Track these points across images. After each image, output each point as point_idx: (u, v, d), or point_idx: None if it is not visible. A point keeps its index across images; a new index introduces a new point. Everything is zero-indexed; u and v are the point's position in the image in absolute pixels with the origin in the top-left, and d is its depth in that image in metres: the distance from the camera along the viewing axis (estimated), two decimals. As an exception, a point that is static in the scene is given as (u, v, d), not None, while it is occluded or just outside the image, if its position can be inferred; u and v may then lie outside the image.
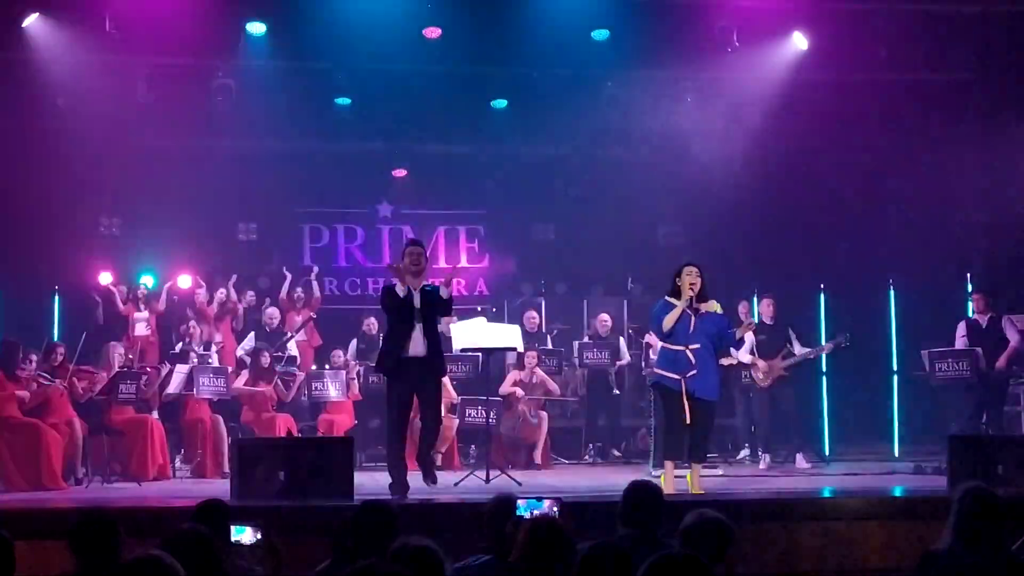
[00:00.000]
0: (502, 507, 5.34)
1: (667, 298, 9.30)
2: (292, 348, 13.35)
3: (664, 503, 5.50)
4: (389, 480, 9.30)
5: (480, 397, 11.99)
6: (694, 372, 9.09)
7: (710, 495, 8.96)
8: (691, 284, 9.13)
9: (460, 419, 12.55)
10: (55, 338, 13.03)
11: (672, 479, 9.17)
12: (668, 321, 9.14)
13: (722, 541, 4.80)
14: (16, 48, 13.09)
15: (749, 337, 12.14)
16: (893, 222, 14.81)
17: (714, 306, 9.27)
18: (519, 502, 5.35)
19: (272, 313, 13.71)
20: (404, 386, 9.36)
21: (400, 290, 9.27)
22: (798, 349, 12.19)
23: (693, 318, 9.14)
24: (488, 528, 5.33)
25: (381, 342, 9.99)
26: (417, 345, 9.30)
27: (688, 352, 9.12)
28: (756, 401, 12.47)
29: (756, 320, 12.13)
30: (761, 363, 12.12)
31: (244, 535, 5.24)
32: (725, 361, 11.57)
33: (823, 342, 12.71)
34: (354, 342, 13.57)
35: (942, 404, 12.46)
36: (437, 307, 9.44)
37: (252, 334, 13.64)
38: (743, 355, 12.25)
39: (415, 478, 9.52)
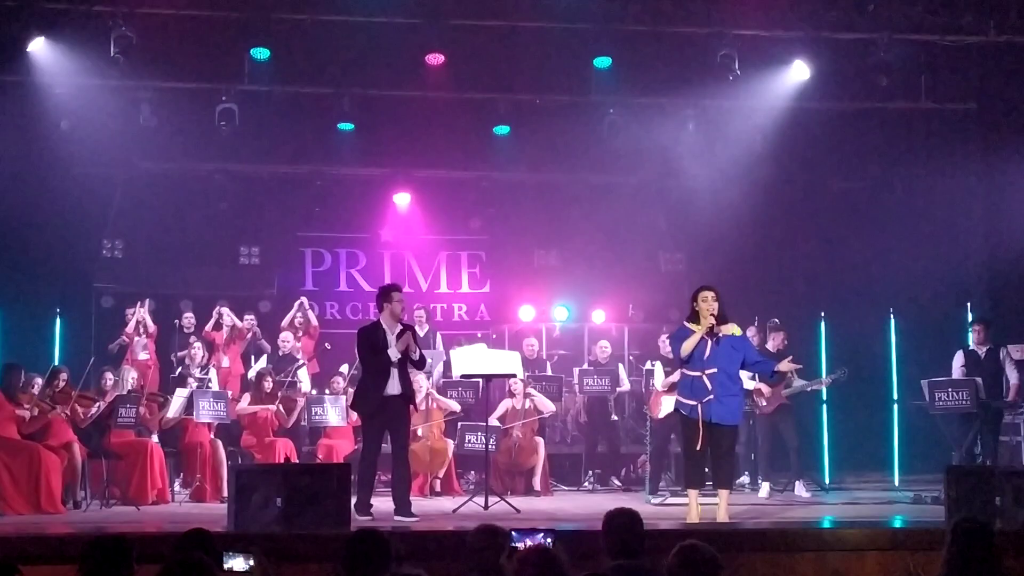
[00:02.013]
0: (485, 539, 5.31)
1: (685, 323, 9.28)
2: (303, 375, 13.36)
3: (644, 529, 5.48)
4: (369, 502, 9.70)
5: (479, 423, 11.98)
6: (711, 397, 9.05)
7: (707, 524, 8.96)
8: (710, 310, 9.10)
9: (459, 445, 12.56)
10: (56, 360, 13.05)
11: (696, 507, 9.18)
12: (686, 348, 9.12)
13: (709, 574, 4.78)
14: (21, 71, 13.15)
15: None
16: (894, 251, 14.81)
17: (732, 328, 9.23)
18: (512, 533, 5.33)
19: (285, 337, 13.73)
20: (382, 423, 9.98)
21: (410, 349, 9.95)
22: (796, 382, 12.22)
23: (710, 343, 9.10)
24: (472, 560, 5.30)
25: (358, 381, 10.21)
26: (395, 385, 9.89)
27: (704, 377, 9.09)
28: (757, 428, 12.46)
29: (762, 346, 12.20)
30: (765, 388, 12.11)
31: (236, 562, 5.24)
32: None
33: (823, 373, 12.70)
34: (346, 366, 13.58)
35: (942, 433, 12.44)
36: (413, 363, 10.15)
37: (264, 357, 13.67)
38: (745, 381, 12.23)
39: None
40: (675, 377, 12.29)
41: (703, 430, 9.07)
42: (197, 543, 5.45)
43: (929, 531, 8.15)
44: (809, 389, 12.44)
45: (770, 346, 12.32)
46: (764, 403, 12.14)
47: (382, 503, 10.00)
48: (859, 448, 13.86)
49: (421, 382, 12.68)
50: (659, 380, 12.68)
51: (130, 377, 11.86)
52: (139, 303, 13.95)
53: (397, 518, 9.49)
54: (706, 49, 13.60)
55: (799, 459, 12.31)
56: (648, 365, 13.03)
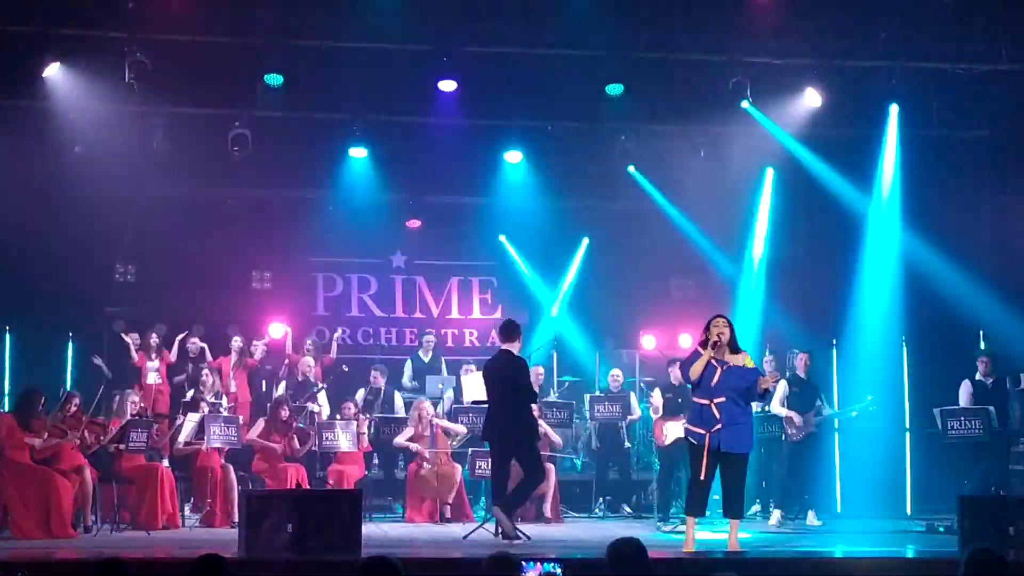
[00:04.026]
0: (499, 569, 5.30)
1: (699, 348, 9.23)
2: (322, 399, 13.36)
3: (648, 559, 5.44)
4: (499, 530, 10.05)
5: (490, 449, 11.92)
6: (719, 426, 8.95)
7: (719, 553, 8.91)
8: (718, 334, 9.05)
9: (471, 471, 12.53)
10: (68, 384, 13.07)
11: (692, 536, 9.10)
12: (694, 371, 9.04)
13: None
14: (36, 96, 13.23)
15: (782, 388, 12.08)
16: (906, 278, 14.77)
17: (743, 359, 9.17)
18: (522, 563, 5.32)
19: (307, 362, 13.73)
20: None
21: None
22: (826, 410, 12.20)
23: (719, 371, 9.02)
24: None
25: (522, 414, 10.36)
26: None
27: (713, 406, 8.99)
28: (773, 455, 12.41)
29: (789, 373, 12.15)
30: (796, 416, 12.04)
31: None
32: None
33: (834, 402, 12.67)
34: (361, 392, 13.60)
35: (955, 463, 12.38)
36: None
37: (283, 383, 13.68)
38: (776, 407, 12.16)
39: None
40: (659, 399, 12.37)
41: (710, 459, 9.01)
42: (211, 569, 5.43)
43: (942, 561, 8.10)
44: (839, 419, 12.40)
45: (800, 372, 12.26)
46: (793, 431, 12.08)
47: (387, 528, 9.97)
48: (871, 477, 13.78)
49: (428, 408, 12.70)
50: (658, 405, 12.69)
51: (129, 402, 11.85)
52: (132, 332, 13.96)
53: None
54: (718, 76, 13.64)
55: (815, 488, 12.26)
56: (657, 394, 12.98)
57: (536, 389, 13.55)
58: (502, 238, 16.62)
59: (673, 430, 12.37)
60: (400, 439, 12.73)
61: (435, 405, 13.38)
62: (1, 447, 10.43)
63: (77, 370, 14.03)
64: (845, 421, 12.97)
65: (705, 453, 8.96)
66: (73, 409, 11.08)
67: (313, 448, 12.55)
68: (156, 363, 13.65)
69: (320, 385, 13.53)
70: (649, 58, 13.53)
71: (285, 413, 12.46)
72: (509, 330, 10.43)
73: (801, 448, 12.11)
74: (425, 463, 12.33)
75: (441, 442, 12.58)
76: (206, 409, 12.31)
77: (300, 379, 13.58)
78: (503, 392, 10.22)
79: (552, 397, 13.95)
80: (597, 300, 16.26)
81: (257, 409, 13.60)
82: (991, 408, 11.54)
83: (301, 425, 12.59)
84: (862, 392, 12.72)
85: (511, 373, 10.21)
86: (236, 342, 14.03)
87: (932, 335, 14.19)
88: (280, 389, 13.55)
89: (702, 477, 9.03)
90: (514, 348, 10.33)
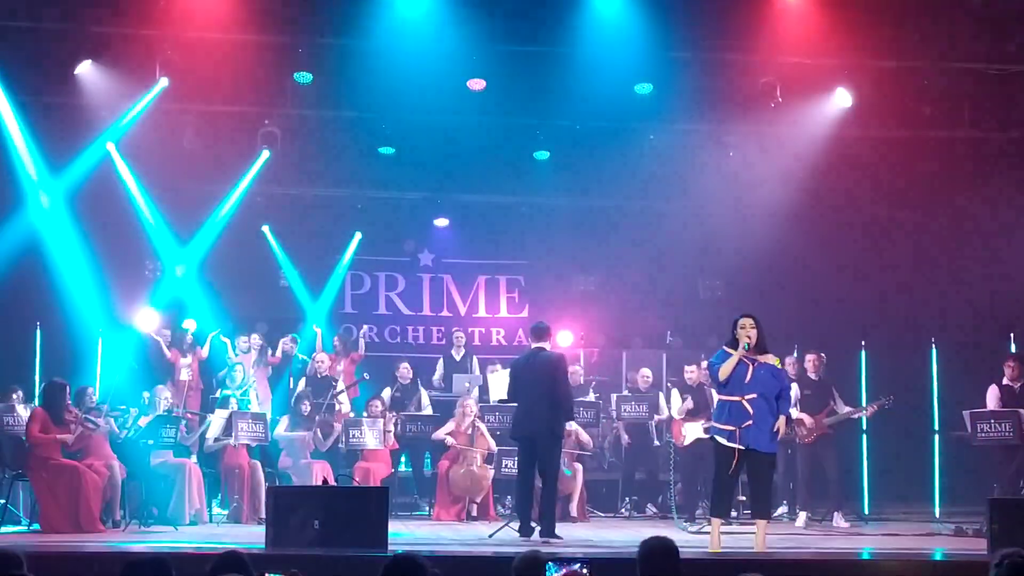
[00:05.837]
0: (530, 568, 5.30)
1: (725, 348, 9.17)
2: (343, 400, 13.38)
3: (679, 560, 5.42)
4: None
5: (516, 448, 11.93)
6: (750, 423, 8.82)
7: (745, 554, 8.88)
8: (747, 335, 9.00)
9: (497, 470, 12.53)
10: (97, 381, 13.14)
11: (718, 536, 9.03)
12: (724, 370, 8.95)
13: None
14: (68, 94, 13.31)
15: (794, 391, 12.01)
16: (935, 280, 14.67)
17: (772, 359, 9.11)
18: (549, 564, 5.30)
19: (321, 359, 13.76)
20: None
21: None
22: (841, 408, 12.10)
23: (751, 367, 8.92)
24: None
25: (563, 407, 10.39)
26: None
27: (744, 402, 8.87)
28: (796, 457, 12.34)
29: (801, 373, 12.09)
30: (807, 419, 11.97)
31: (276, 584, 5.25)
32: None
33: (864, 402, 12.58)
34: (388, 390, 13.60)
35: (984, 465, 12.28)
36: None
37: (303, 380, 13.73)
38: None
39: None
40: (689, 404, 12.34)
41: (739, 457, 8.94)
42: (231, 566, 5.44)
43: (971, 564, 8.04)
44: (855, 416, 12.32)
45: (811, 374, 12.20)
46: (804, 432, 12.02)
47: (413, 526, 9.97)
48: (899, 479, 13.72)
49: (472, 407, 12.69)
50: (676, 407, 12.68)
51: (163, 398, 11.93)
52: (164, 328, 14.01)
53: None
54: (748, 75, 13.58)
55: (839, 489, 12.18)
56: (676, 396, 12.96)
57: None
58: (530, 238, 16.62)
59: (692, 430, 12.39)
60: (440, 433, 12.74)
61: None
62: (33, 443, 10.52)
63: (107, 366, 14.08)
64: (873, 422, 12.89)
65: (735, 452, 8.88)
66: (92, 401, 11.14)
67: (339, 445, 12.60)
68: (189, 359, 13.69)
69: (342, 386, 13.53)
70: (678, 57, 13.49)
71: (307, 408, 12.51)
72: (543, 331, 10.48)
73: (817, 449, 12.04)
74: (463, 460, 12.32)
75: (480, 443, 12.56)
76: (234, 405, 12.37)
77: (319, 377, 13.59)
78: (545, 389, 10.17)
79: (590, 397, 13.90)
80: (625, 299, 16.21)
81: (278, 406, 13.64)
82: (1021, 411, 11.45)
83: (332, 422, 12.64)
84: (889, 394, 12.63)
85: (554, 371, 10.23)
86: (255, 339, 14.03)
87: (962, 337, 14.09)
88: (301, 385, 13.57)
89: (730, 474, 8.98)
90: (546, 348, 10.38)
